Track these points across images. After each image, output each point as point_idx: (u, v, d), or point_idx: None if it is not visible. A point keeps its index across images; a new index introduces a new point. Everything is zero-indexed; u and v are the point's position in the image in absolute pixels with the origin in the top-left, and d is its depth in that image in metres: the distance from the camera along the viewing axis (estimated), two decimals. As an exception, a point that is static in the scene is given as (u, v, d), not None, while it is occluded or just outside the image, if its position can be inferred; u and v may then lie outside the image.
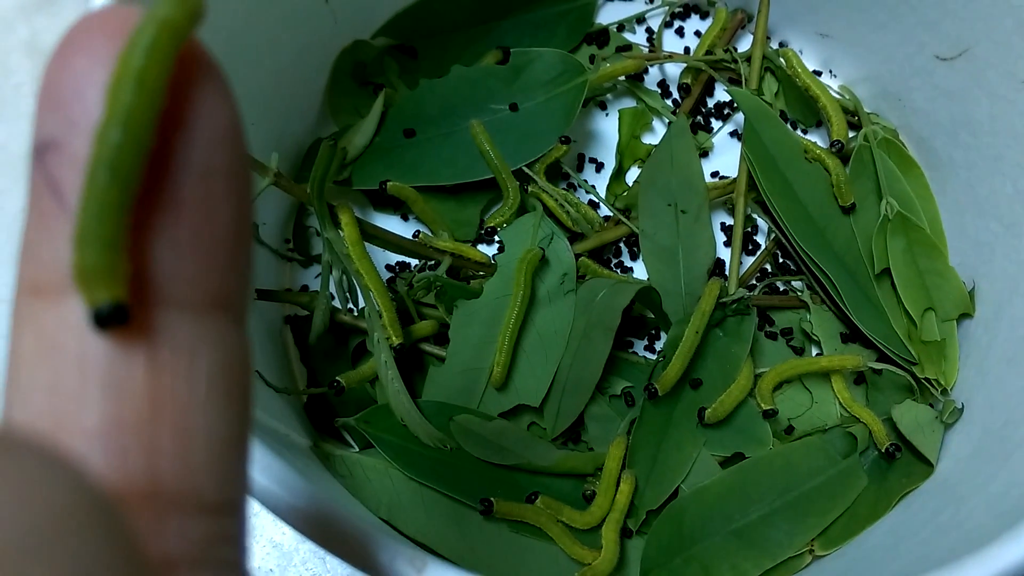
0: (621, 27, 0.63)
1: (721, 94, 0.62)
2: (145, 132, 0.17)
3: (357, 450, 0.50)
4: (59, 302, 0.18)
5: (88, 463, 0.17)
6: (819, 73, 0.62)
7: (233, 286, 0.19)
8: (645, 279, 0.55)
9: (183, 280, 0.18)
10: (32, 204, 0.18)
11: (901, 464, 0.50)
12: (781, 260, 0.57)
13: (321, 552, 0.54)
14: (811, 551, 0.49)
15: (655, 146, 0.57)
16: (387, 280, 0.56)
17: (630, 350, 0.55)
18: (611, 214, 0.57)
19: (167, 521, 0.18)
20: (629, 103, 0.61)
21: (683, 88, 0.60)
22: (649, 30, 0.63)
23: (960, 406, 0.50)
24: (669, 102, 0.61)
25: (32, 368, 0.18)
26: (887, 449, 0.49)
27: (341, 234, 0.49)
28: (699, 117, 0.61)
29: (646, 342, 0.56)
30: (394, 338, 0.48)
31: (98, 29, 0.18)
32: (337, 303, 0.52)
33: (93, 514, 0.15)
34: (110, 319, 0.17)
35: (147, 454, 0.18)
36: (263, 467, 0.31)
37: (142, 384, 0.18)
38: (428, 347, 0.52)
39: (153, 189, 0.18)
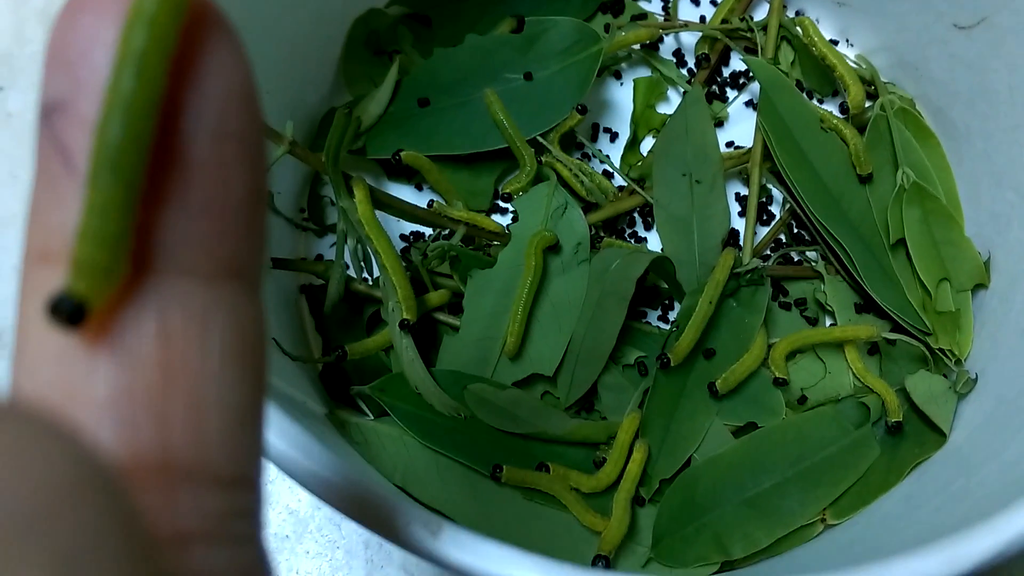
0: (636, -5, 0.62)
1: (737, 63, 0.61)
2: (147, 123, 0.17)
3: (372, 418, 0.51)
4: (66, 269, 0.17)
5: (97, 435, 0.17)
6: (836, 42, 0.61)
7: (247, 253, 0.19)
8: (659, 249, 0.55)
9: (196, 246, 0.18)
10: (39, 167, 0.17)
11: (913, 434, 0.50)
12: (796, 230, 0.57)
13: (336, 518, 0.55)
14: (823, 520, 0.49)
15: (670, 116, 0.57)
16: (401, 250, 0.56)
17: (644, 320, 0.55)
18: (625, 184, 0.57)
19: (180, 495, 0.17)
20: (644, 72, 0.61)
21: (703, 58, 0.59)
22: (664, -1, 0.63)
23: (974, 376, 0.50)
24: (684, 71, 0.61)
25: (40, 337, 0.17)
26: (890, 424, 0.50)
27: (355, 203, 0.49)
28: (714, 87, 0.61)
29: (660, 312, 0.56)
30: (407, 315, 0.48)
31: None
32: (352, 272, 0.53)
33: (94, 488, 0.14)
34: (62, 312, 0.16)
35: (158, 425, 0.17)
36: (280, 431, 0.32)
37: (153, 353, 0.17)
38: (442, 316, 0.53)
39: (164, 153, 0.17)
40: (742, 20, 0.60)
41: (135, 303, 0.17)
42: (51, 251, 0.17)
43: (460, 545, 0.30)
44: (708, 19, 0.61)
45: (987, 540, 0.31)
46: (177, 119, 0.17)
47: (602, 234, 0.56)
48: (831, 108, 0.60)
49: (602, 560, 0.46)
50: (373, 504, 0.31)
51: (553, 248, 0.52)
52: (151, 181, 0.17)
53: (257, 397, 0.19)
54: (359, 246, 0.50)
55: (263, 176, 0.19)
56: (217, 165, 0.18)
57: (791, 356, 0.53)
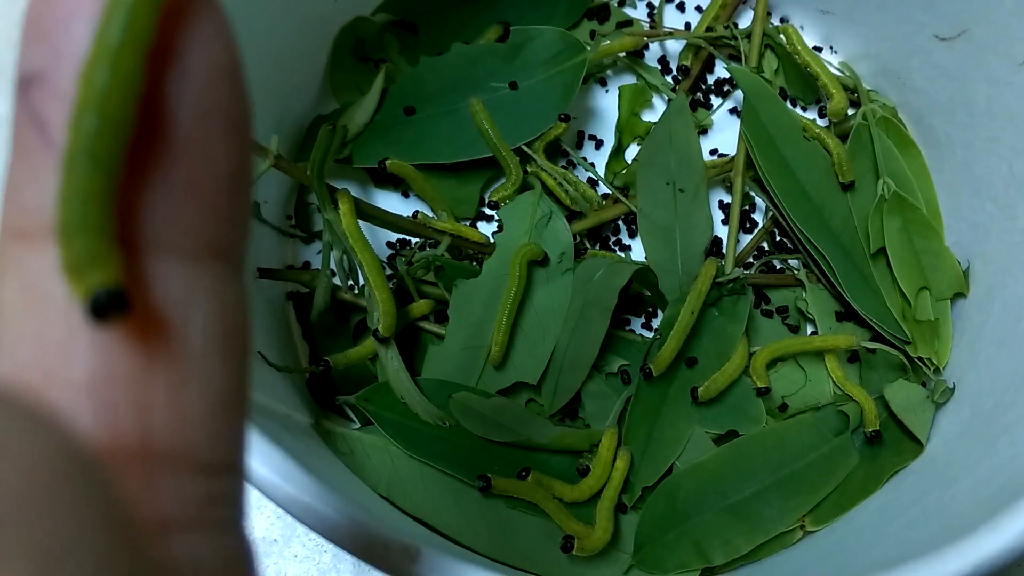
0: (622, 2, 0.62)
1: (721, 71, 0.62)
2: (125, 112, 0.16)
3: (358, 426, 0.51)
4: (44, 247, 0.17)
5: (76, 418, 0.16)
6: (819, 49, 0.62)
7: (231, 234, 0.18)
8: (643, 257, 0.55)
9: (178, 226, 0.17)
10: (16, 142, 0.17)
11: (892, 442, 0.51)
12: (778, 238, 0.58)
13: (323, 523, 0.55)
14: (802, 527, 0.50)
15: (654, 124, 0.57)
16: (387, 257, 0.56)
17: (627, 327, 0.56)
18: (609, 192, 0.57)
19: (161, 480, 0.17)
20: (629, 79, 0.61)
21: (682, 70, 0.60)
22: (650, 5, 0.63)
23: (951, 386, 0.51)
24: (669, 79, 0.61)
25: (17, 317, 0.17)
26: (868, 434, 0.50)
27: (340, 215, 0.49)
28: (699, 94, 0.61)
29: (643, 319, 0.56)
30: (382, 331, 0.48)
31: None
32: (338, 280, 0.53)
33: (75, 475, 0.14)
34: (109, 307, 0.16)
35: (139, 409, 0.17)
36: (263, 456, 0.32)
37: (133, 335, 0.17)
38: (427, 325, 0.53)
39: (147, 130, 0.17)
40: (726, 28, 0.60)
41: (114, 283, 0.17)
42: (28, 229, 0.17)
43: (438, 570, 0.31)
44: (694, 26, 0.62)
45: (952, 565, 0.31)
46: (161, 94, 0.17)
47: (587, 244, 0.56)
48: (814, 116, 0.60)
49: (569, 539, 0.47)
50: (353, 529, 0.32)
51: (541, 262, 0.53)
52: (134, 158, 0.17)
53: (240, 382, 0.19)
54: (345, 256, 0.50)
55: (247, 154, 0.19)
56: (201, 141, 0.17)
57: (772, 364, 0.54)
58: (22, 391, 0.16)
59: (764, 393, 0.52)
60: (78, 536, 0.14)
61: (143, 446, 0.17)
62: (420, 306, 0.52)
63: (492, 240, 0.54)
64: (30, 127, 0.17)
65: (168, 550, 0.17)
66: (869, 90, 0.60)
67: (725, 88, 0.61)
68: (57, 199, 0.16)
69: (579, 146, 0.60)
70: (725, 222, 0.58)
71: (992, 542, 0.32)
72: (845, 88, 0.58)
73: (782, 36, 0.59)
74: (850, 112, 0.59)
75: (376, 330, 0.48)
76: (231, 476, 0.19)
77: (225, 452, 0.18)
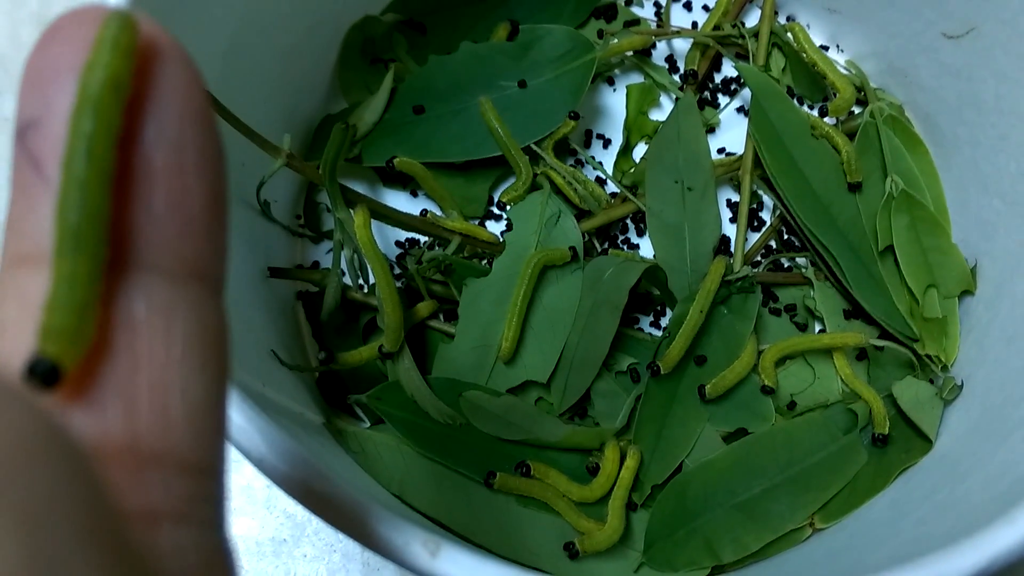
0: (629, 1, 0.63)
1: (728, 69, 0.62)
2: (102, 198, 0.18)
3: (368, 425, 0.51)
4: (41, 270, 0.18)
5: (67, 413, 0.18)
6: (826, 48, 0.62)
7: (210, 257, 0.20)
8: (651, 255, 0.55)
9: (159, 246, 0.19)
10: (15, 180, 0.19)
11: (900, 440, 0.51)
12: (786, 237, 0.58)
13: (333, 522, 0.55)
14: (811, 524, 0.50)
15: (662, 123, 0.58)
16: (396, 256, 0.56)
17: (636, 326, 0.56)
18: (618, 191, 0.57)
19: (148, 476, 0.18)
20: (637, 78, 0.61)
21: (691, 73, 0.60)
22: (657, 4, 0.63)
23: (960, 383, 0.51)
24: (676, 77, 0.61)
25: (14, 331, 0.18)
26: (876, 436, 0.51)
27: (351, 214, 0.49)
28: (706, 93, 0.61)
29: (652, 318, 0.56)
30: (386, 346, 0.49)
31: (74, 23, 0.19)
32: (348, 280, 0.53)
33: (53, 446, 0.15)
34: (40, 376, 0.17)
35: (125, 408, 0.18)
36: (281, 451, 0.32)
37: (119, 339, 0.19)
38: (437, 324, 0.53)
39: (130, 159, 0.19)
40: (734, 27, 0.60)
41: (103, 294, 0.19)
42: (27, 255, 0.19)
43: (459, 564, 0.31)
44: (701, 24, 0.62)
45: (968, 558, 0.32)
46: (141, 131, 0.19)
47: (595, 243, 0.56)
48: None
49: (571, 545, 0.47)
50: (371, 522, 0.32)
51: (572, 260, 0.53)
52: (122, 185, 0.19)
53: (219, 391, 0.20)
54: (355, 255, 0.50)
55: (223, 188, 0.20)
56: (178, 171, 0.19)
57: (781, 362, 0.54)
58: (3, 372, 0.18)
59: (770, 392, 0.52)
60: (53, 499, 0.15)
61: (131, 443, 0.18)
62: (426, 306, 0.53)
63: (501, 239, 0.55)
64: (27, 166, 0.19)
65: (156, 538, 0.18)
66: (876, 88, 0.60)
67: (732, 87, 0.61)
68: (50, 279, 0.18)
69: (587, 145, 0.60)
70: (733, 220, 0.58)
71: (1007, 536, 0.32)
72: (852, 87, 0.58)
73: (789, 35, 0.59)
74: (856, 110, 0.59)
75: (380, 346, 0.49)
76: (213, 479, 0.20)
77: (206, 455, 0.20)
